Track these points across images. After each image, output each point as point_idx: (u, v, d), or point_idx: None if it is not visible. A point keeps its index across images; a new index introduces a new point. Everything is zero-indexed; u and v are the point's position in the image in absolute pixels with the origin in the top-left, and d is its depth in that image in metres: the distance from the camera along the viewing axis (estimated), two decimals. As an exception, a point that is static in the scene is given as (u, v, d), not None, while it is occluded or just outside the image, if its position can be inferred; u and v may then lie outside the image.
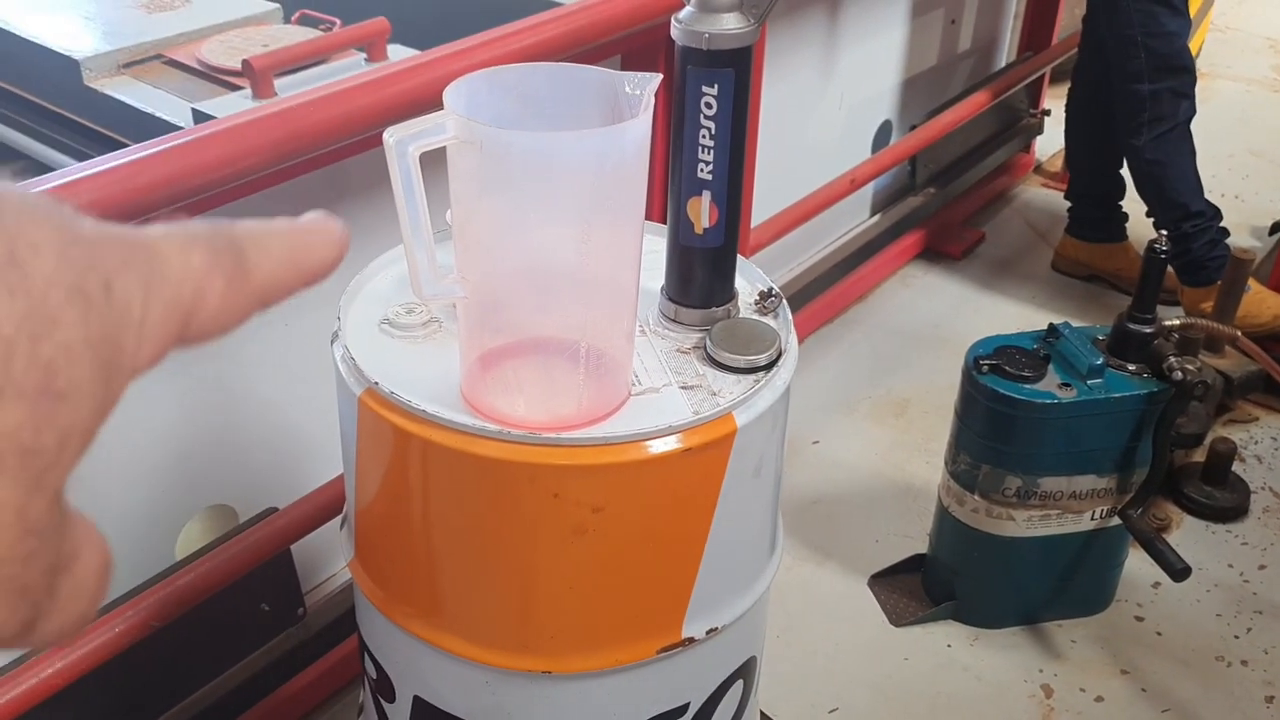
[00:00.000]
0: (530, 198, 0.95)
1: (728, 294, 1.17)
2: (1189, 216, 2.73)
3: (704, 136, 1.08)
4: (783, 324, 1.16)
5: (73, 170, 1.27)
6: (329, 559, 1.89)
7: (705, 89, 1.06)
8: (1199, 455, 2.40)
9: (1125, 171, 3.03)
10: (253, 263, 0.36)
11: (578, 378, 1.01)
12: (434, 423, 1.00)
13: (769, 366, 1.09)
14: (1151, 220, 2.81)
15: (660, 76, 0.95)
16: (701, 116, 1.07)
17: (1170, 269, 2.27)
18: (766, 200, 2.45)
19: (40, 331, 0.29)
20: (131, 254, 0.32)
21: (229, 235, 0.35)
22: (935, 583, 2.09)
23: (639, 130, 0.93)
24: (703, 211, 1.11)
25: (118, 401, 0.32)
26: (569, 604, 1.07)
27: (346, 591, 1.84)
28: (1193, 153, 2.74)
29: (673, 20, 1.05)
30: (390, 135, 0.88)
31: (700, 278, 1.15)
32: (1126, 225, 3.08)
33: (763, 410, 1.05)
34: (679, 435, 1.01)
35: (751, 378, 1.08)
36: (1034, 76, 3.37)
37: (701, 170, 1.10)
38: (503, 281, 1.01)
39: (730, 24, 1.04)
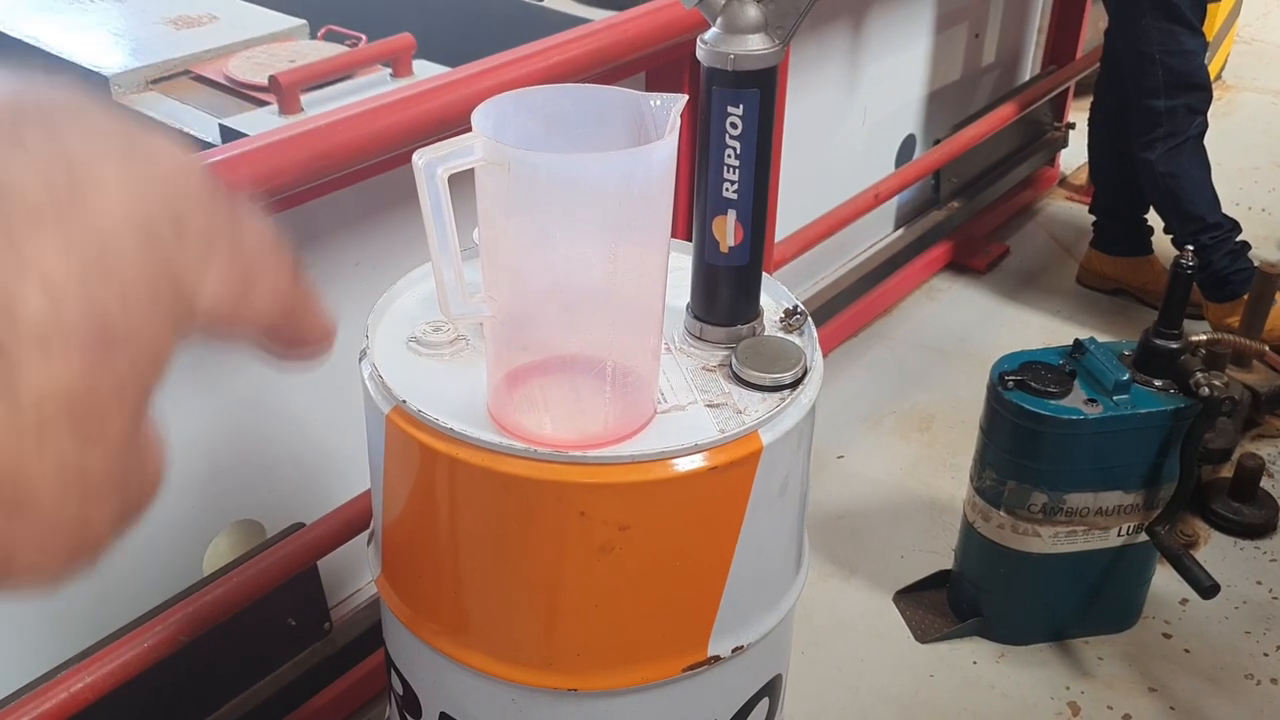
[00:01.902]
0: (557, 218, 0.95)
1: (753, 312, 1.17)
2: (1206, 228, 2.72)
3: (729, 156, 1.08)
4: (808, 341, 1.16)
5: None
6: (354, 574, 1.90)
7: (730, 109, 1.06)
8: (1227, 471, 2.38)
9: (1149, 185, 3.02)
10: (303, 273, 0.35)
11: (604, 396, 1.02)
12: (461, 440, 1.01)
13: (795, 384, 1.09)
14: (1170, 236, 2.80)
15: (686, 98, 0.96)
16: (727, 136, 1.07)
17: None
18: (790, 215, 2.45)
19: (95, 275, 0.27)
20: (212, 192, 0.30)
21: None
22: (961, 599, 2.08)
23: (665, 151, 0.93)
24: (728, 230, 1.12)
25: (177, 346, 0.30)
26: (595, 622, 1.07)
27: (372, 606, 1.85)
28: (1207, 166, 2.74)
29: (698, 41, 1.06)
30: (419, 157, 0.89)
31: (725, 296, 1.15)
32: (1151, 239, 3.07)
33: (789, 428, 1.05)
34: (705, 453, 1.01)
35: (777, 395, 1.08)
36: (1058, 90, 3.37)
37: (727, 190, 1.10)
38: (530, 300, 1.01)
39: (755, 45, 1.04)
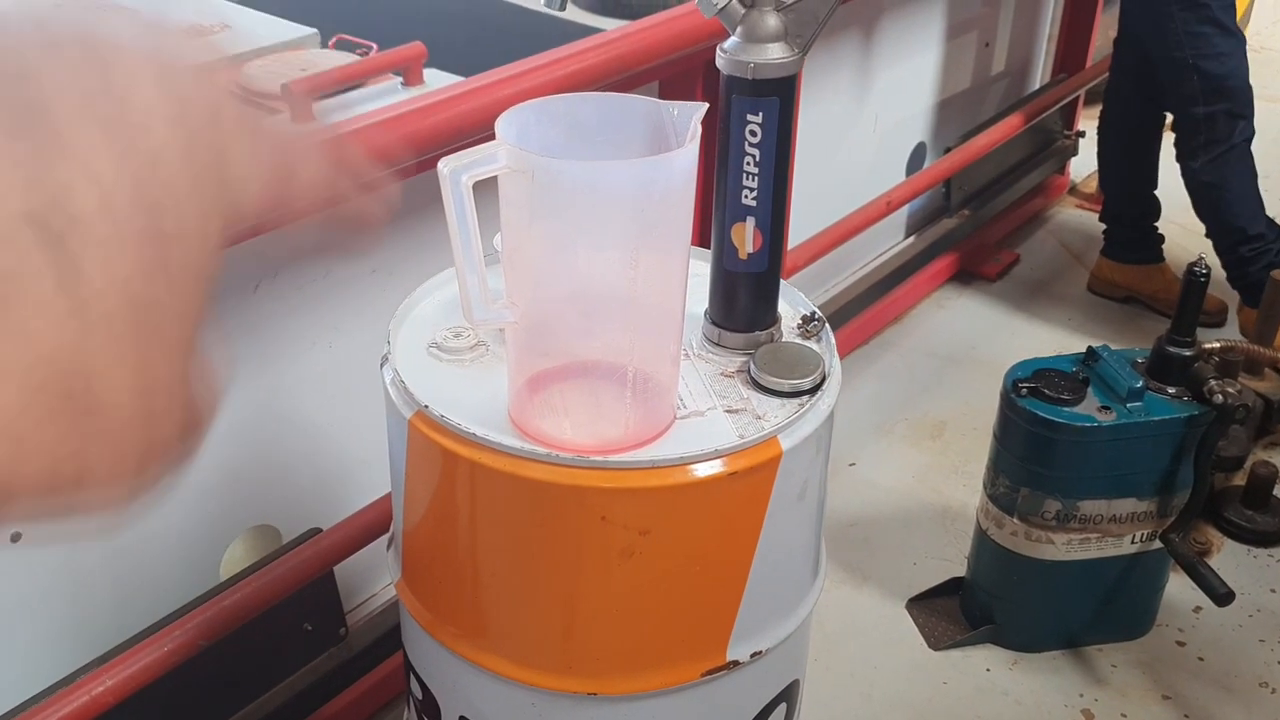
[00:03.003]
0: (580, 225, 0.96)
1: (771, 318, 1.18)
2: (1246, 240, 2.69)
3: (748, 164, 1.09)
4: (826, 348, 1.17)
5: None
6: (371, 579, 1.91)
7: (750, 117, 1.07)
8: (1239, 479, 2.38)
9: (1160, 192, 3.02)
10: (350, 152, 0.35)
11: (624, 401, 1.03)
12: (483, 445, 1.02)
13: (813, 390, 1.10)
14: (1212, 243, 2.77)
15: (706, 106, 0.97)
16: (746, 144, 1.08)
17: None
18: (802, 222, 2.46)
19: (142, 171, 0.27)
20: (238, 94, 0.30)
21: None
22: (974, 606, 2.09)
23: (687, 159, 0.94)
24: (747, 237, 1.13)
25: (225, 242, 0.29)
26: (615, 626, 1.08)
27: (388, 611, 1.86)
28: (1252, 174, 2.70)
29: (718, 50, 1.07)
30: (445, 165, 0.90)
31: (744, 302, 1.16)
32: (1163, 246, 3.07)
33: (808, 434, 1.06)
34: (725, 459, 1.01)
35: (796, 401, 1.08)
36: (1068, 99, 3.37)
37: (746, 197, 1.11)
38: (551, 306, 1.02)
39: (775, 53, 1.05)
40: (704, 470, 1.01)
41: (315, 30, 2.69)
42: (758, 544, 1.07)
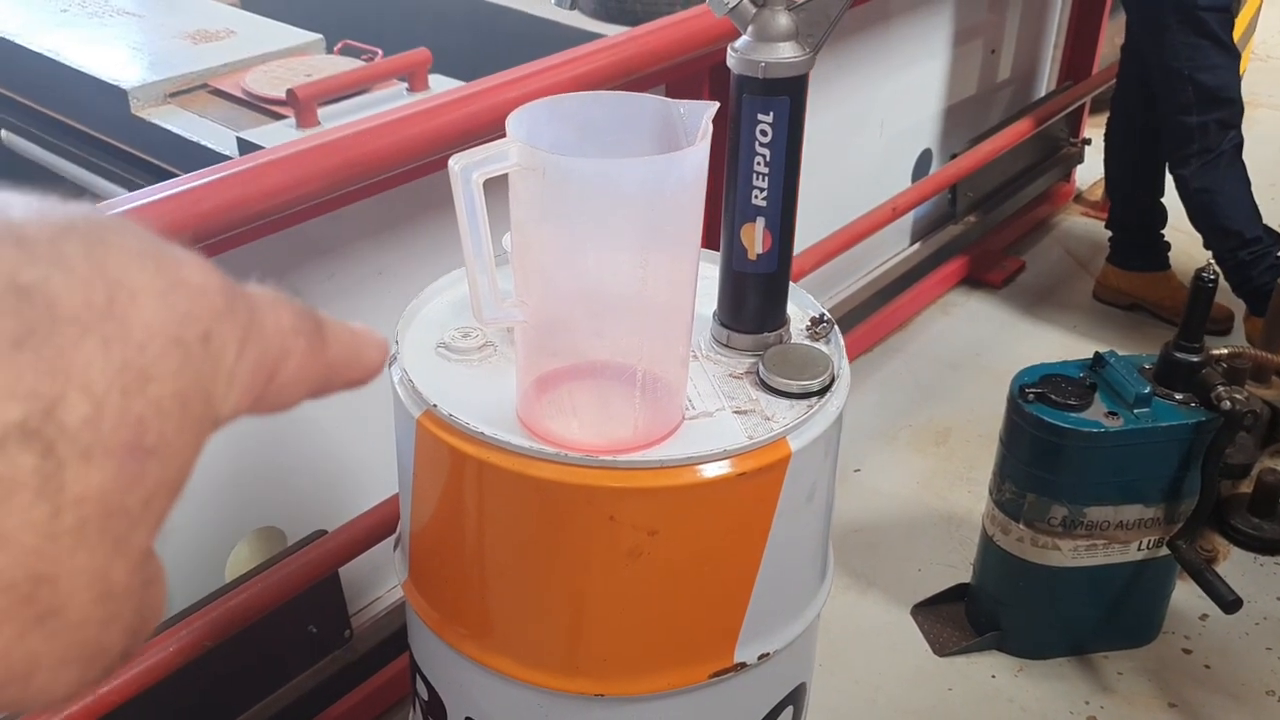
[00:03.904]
0: (590, 223, 0.96)
1: (780, 319, 1.18)
2: (1245, 244, 2.70)
3: (759, 163, 1.09)
4: (835, 349, 1.16)
5: (134, 197, 1.29)
6: (375, 581, 1.91)
7: (761, 116, 1.07)
8: (1246, 486, 2.37)
9: (1166, 200, 3.02)
10: (330, 335, 0.36)
11: (633, 402, 1.02)
12: (491, 444, 1.01)
13: (822, 392, 1.09)
14: (1209, 251, 2.78)
15: (716, 105, 0.97)
16: (757, 144, 1.08)
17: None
18: (808, 228, 2.46)
19: (133, 386, 0.28)
20: (232, 304, 0.31)
21: (309, 308, 0.36)
22: (979, 612, 2.08)
23: (697, 157, 0.94)
24: (756, 237, 1.12)
25: (200, 454, 0.31)
26: (622, 627, 1.08)
27: (393, 614, 1.85)
28: (1245, 180, 2.72)
29: (729, 49, 1.07)
30: (455, 162, 0.90)
31: (753, 303, 1.16)
32: (1169, 254, 3.07)
33: (816, 435, 1.06)
34: (734, 459, 1.01)
35: (805, 403, 1.08)
36: (1075, 106, 3.37)
37: (756, 197, 1.11)
38: (561, 306, 1.02)
39: (786, 53, 1.05)
40: (712, 471, 1.01)
41: (320, 36, 2.70)
42: (766, 545, 1.06)
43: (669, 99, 1.00)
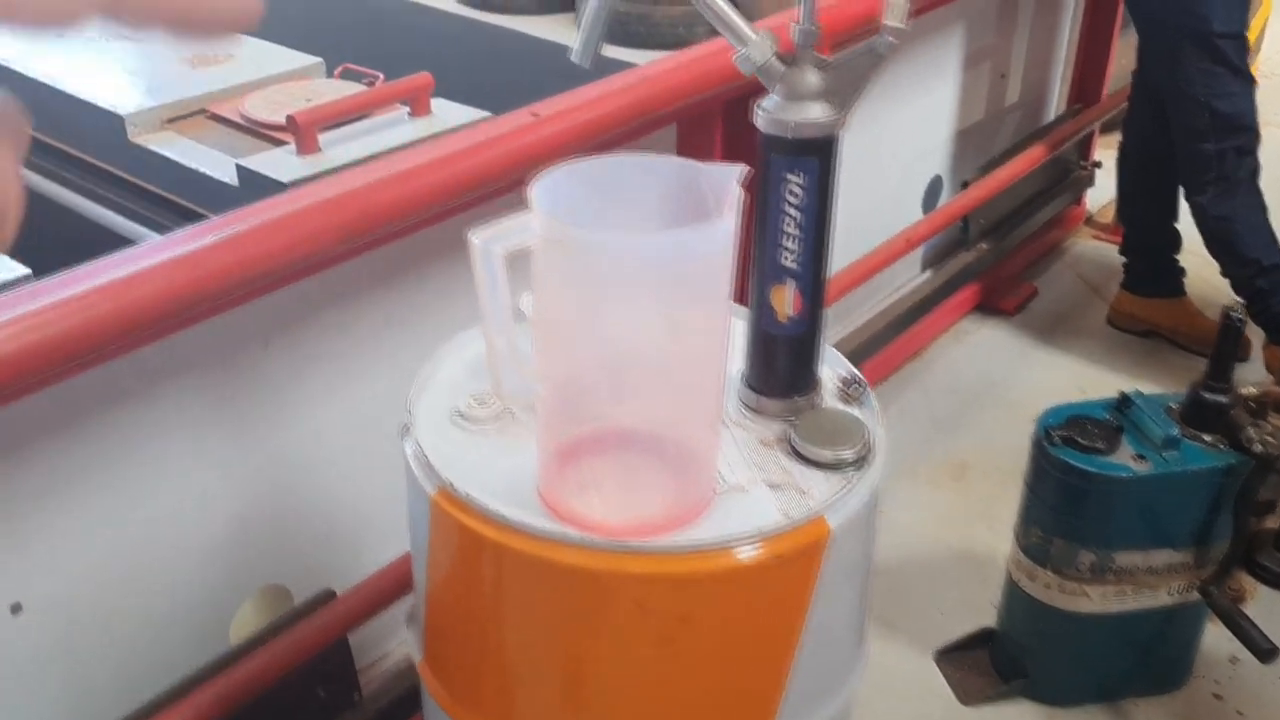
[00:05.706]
0: (616, 295, 0.91)
1: (811, 383, 1.13)
2: (1263, 271, 2.65)
3: (788, 225, 1.04)
4: (869, 414, 1.11)
5: (137, 255, 1.24)
6: (383, 636, 1.85)
7: (790, 177, 1.02)
8: (1272, 522, 2.31)
9: (1180, 225, 2.98)
10: None
11: (662, 478, 0.97)
12: (511, 528, 0.96)
13: (858, 462, 1.04)
14: (1227, 279, 2.74)
15: (744, 168, 0.92)
16: (786, 205, 1.03)
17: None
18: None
19: None
20: None
21: None
22: (1005, 659, 2.02)
23: (726, 229, 0.89)
24: (786, 300, 1.07)
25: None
26: (652, 716, 1.02)
27: (402, 673, 1.80)
28: (1263, 207, 2.68)
29: (757, 109, 1.02)
30: (477, 237, 0.85)
31: (783, 367, 1.11)
32: (1184, 279, 3.02)
33: (856, 511, 1.01)
34: (769, 541, 0.96)
35: (841, 475, 1.03)
36: (1086, 130, 3.33)
37: (785, 259, 1.06)
38: (583, 375, 0.97)
39: (816, 113, 1.00)
40: (747, 554, 0.95)
41: (321, 60, 2.65)
42: (803, 627, 1.01)
43: (694, 162, 0.95)
